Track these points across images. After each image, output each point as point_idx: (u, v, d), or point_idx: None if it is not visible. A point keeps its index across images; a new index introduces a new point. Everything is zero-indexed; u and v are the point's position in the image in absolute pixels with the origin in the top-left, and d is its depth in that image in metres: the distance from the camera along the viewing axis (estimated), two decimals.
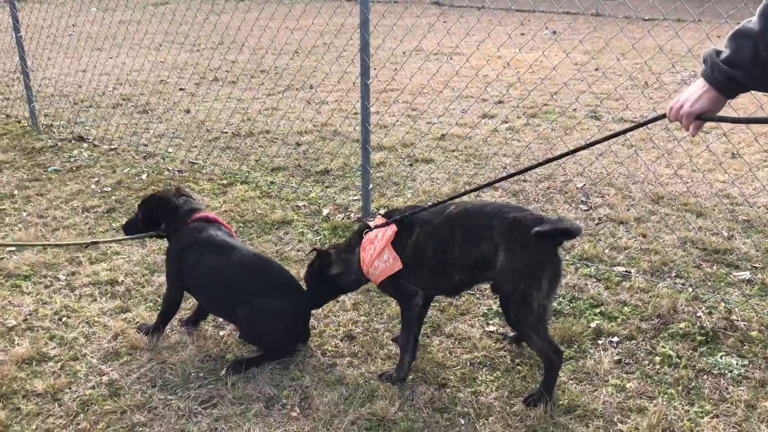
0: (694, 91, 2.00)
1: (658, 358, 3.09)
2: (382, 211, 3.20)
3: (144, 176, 5.44)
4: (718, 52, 1.94)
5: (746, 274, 3.81)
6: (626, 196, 4.95)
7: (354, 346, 3.22)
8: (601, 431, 2.65)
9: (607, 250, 4.12)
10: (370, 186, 4.59)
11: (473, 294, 3.64)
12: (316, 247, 3.29)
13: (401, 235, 2.86)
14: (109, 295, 3.68)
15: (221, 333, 3.34)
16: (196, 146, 6.20)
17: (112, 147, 6.19)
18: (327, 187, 5.26)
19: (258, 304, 2.99)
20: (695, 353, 3.12)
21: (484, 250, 2.70)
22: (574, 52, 10.16)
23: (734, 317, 3.37)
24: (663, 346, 3.17)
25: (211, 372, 3.03)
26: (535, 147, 6.04)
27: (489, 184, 2.93)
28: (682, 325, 3.32)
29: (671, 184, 5.13)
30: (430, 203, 3.03)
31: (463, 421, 2.72)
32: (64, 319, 3.45)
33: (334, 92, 8.14)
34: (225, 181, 5.34)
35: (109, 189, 5.17)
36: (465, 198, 3.29)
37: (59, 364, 3.08)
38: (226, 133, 6.64)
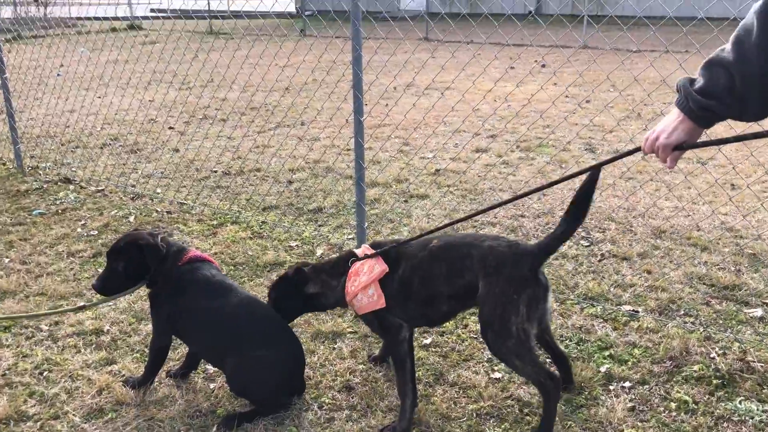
0: (670, 122, 1.94)
1: (673, 404, 2.93)
2: (368, 242, 3.11)
3: (131, 218, 5.29)
4: (692, 81, 1.86)
5: (758, 311, 3.67)
6: (627, 230, 4.82)
7: (353, 398, 3.04)
8: None
9: (612, 288, 3.98)
10: (365, 224, 4.45)
11: (476, 338, 3.48)
12: (298, 263, 3.14)
13: (388, 270, 2.80)
14: (93, 346, 3.50)
15: (211, 385, 3.15)
16: (185, 186, 6.06)
17: (99, 188, 6.04)
18: (320, 225, 5.11)
19: (248, 354, 2.81)
20: (712, 398, 2.97)
21: (468, 279, 2.68)
22: (564, 85, 10.15)
23: (750, 358, 3.22)
24: (678, 391, 3.01)
25: (202, 429, 2.84)
26: (532, 182, 5.93)
27: (467, 216, 2.80)
28: (695, 367, 3.17)
29: (672, 217, 5.01)
30: (413, 236, 2.95)
31: None
32: (45, 373, 3.26)
33: (327, 129, 8.05)
34: (215, 222, 5.18)
35: (96, 232, 5.00)
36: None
37: (38, 423, 2.89)
38: (216, 172, 6.51)
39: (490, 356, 3.32)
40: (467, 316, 3.64)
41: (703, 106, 1.82)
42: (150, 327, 3.47)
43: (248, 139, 7.66)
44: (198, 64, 9.70)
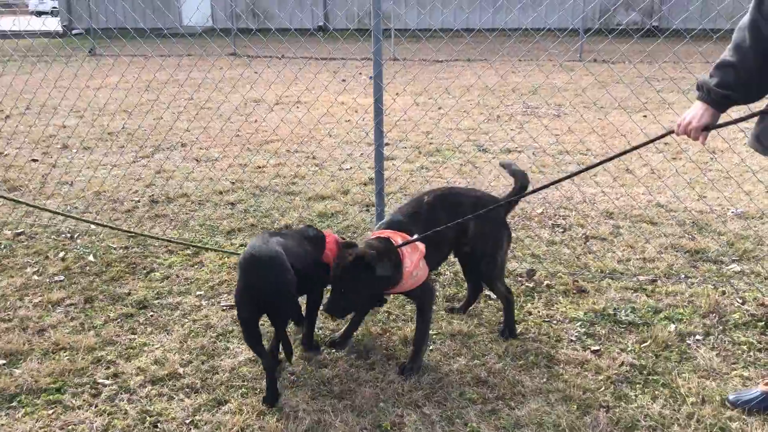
0: (697, 111, 2.70)
1: (744, 347, 3.49)
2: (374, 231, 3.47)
3: (90, 257, 4.75)
4: (708, 80, 2.62)
5: (736, 267, 4.43)
6: (584, 215, 5.44)
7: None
8: None
9: (616, 264, 4.51)
10: None
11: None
12: (351, 242, 3.26)
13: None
14: (185, 390, 3.20)
15: None
16: (118, 219, 5.54)
17: (18, 231, 5.28)
18: None
19: None
20: (765, 336, 3.58)
21: (462, 223, 3.37)
22: (404, 94, 10.78)
23: (767, 301, 3.92)
24: (738, 336, 3.59)
25: None
26: (465, 183, 6.35)
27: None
28: (735, 315, 3.78)
29: (611, 201, 5.74)
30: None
31: None
32: (158, 425, 2.94)
33: (214, 148, 7.77)
34: (188, 252, 4.86)
35: (63, 278, 4.43)
36: None
37: None
38: (139, 201, 6.01)
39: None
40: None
41: (722, 95, 2.57)
42: (229, 362, 3.34)
43: (137, 166, 7.13)
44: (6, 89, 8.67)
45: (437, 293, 3.49)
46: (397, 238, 3.23)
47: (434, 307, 3.67)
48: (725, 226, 5.11)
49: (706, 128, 2.69)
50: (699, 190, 5.91)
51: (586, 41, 16.41)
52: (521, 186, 3.59)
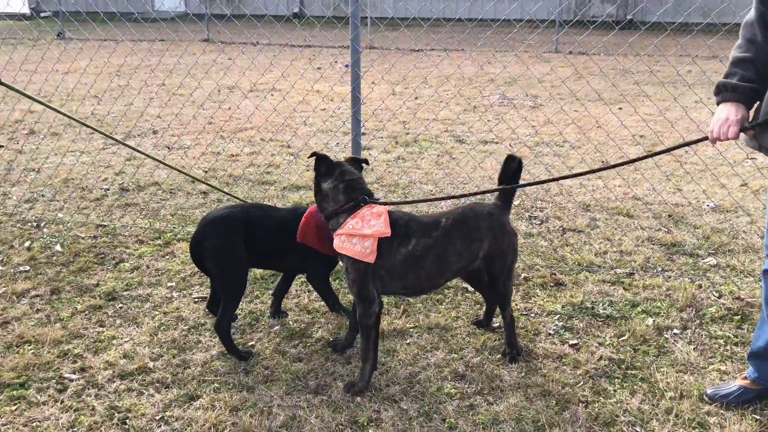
0: (729, 110, 2.59)
1: (721, 341, 3.49)
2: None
3: (57, 247, 4.61)
4: (730, 79, 2.58)
5: (712, 260, 4.44)
6: (561, 207, 5.41)
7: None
8: None
9: (594, 256, 4.49)
10: None
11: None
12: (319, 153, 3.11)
13: (393, 242, 2.95)
14: (156, 384, 3.10)
15: None
16: (86, 208, 5.39)
17: None
18: None
19: None
20: (742, 330, 3.58)
21: (475, 248, 3.10)
22: (381, 83, 10.69)
23: (742, 295, 3.92)
24: (715, 330, 3.58)
25: None
26: (442, 174, 6.30)
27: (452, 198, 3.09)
28: (712, 309, 3.78)
29: (590, 193, 5.72)
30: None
31: None
32: (127, 422, 2.84)
33: (186, 135, 7.62)
34: (160, 242, 4.74)
35: (29, 268, 4.29)
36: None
37: None
38: (109, 189, 5.86)
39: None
40: None
41: (749, 88, 2.55)
42: (201, 356, 3.26)
43: (108, 153, 6.97)
44: None
45: (375, 307, 2.99)
46: (374, 209, 2.99)
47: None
48: (701, 219, 5.11)
49: (743, 129, 2.60)
50: (675, 182, 5.92)
51: (564, 33, 16.43)
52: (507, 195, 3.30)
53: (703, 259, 4.48)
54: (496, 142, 7.39)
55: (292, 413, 2.90)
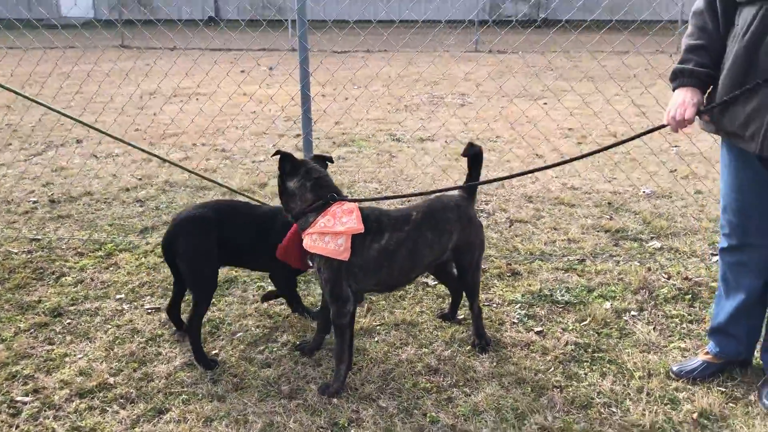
0: (684, 95, 2.67)
1: (677, 320, 3.61)
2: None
3: None
4: (686, 65, 2.67)
5: (657, 243, 4.60)
6: (506, 199, 5.49)
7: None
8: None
9: (544, 246, 4.58)
10: None
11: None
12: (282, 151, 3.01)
13: (365, 238, 2.89)
14: (119, 401, 2.94)
15: None
16: (15, 222, 5.08)
17: None
18: None
19: None
20: (694, 308, 3.72)
21: (445, 239, 3.09)
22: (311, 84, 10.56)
23: (690, 275, 4.08)
24: (670, 309, 3.71)
25: None
26: (385, 172, 6.28)
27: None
28: (664, 290, 3.91)
29: (526, 185, 5.83)
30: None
31: None
32: None
33: (111, 143, 7.32)
34: (101, 253, 4.51)
35: None
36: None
37: None
38: (37, 201, 5.54)
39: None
40: None
41: (705, 73, 2.64)
42: (164, 367, 3.14)
43: (31, 164, 6.61)
44: None
45: (350, 306, 2.93)
46: (344, 205, 2.92)
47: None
48: (639, 205, 5.30)
49: (698, 112, 2.66)
50: (608, 172, 6.12)
51: (483, 33, 16.76)
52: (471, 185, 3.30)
53: (647, 242, 4.64)
54: (432, 140, 7.44)
55: (269, 419, 2.81)
